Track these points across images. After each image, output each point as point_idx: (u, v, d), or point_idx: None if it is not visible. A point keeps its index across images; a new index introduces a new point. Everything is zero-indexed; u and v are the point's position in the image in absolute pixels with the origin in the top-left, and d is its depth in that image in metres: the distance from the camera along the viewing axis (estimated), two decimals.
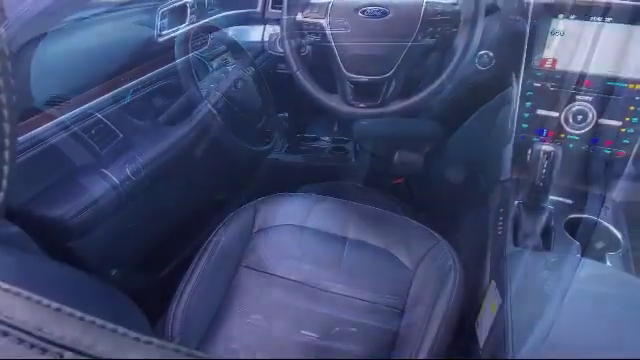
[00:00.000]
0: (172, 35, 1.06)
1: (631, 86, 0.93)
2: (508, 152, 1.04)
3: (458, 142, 1.48)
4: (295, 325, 0.83)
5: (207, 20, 1.16)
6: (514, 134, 1.02)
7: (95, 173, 0.87)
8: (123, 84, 1.00)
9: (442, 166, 1.63)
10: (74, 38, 0.91)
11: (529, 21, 0.98)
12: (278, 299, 0.88)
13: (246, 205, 1.05)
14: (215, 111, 1.15)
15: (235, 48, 1.26)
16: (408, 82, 0.94)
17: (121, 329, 0.25)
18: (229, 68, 1.23)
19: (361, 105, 0.93)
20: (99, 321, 0.25)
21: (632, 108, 0.93)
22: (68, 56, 0.90)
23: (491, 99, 1.07)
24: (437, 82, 0.86)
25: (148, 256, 1.06)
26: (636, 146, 0.94)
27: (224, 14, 1.21)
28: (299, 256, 0.93)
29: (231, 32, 1.28)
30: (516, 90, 1.01)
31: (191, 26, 1.09)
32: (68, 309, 0.26)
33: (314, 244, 0.95)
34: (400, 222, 0.99)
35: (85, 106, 0.90)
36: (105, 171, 0.88)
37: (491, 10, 0.90)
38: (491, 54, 1.04)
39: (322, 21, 0.91)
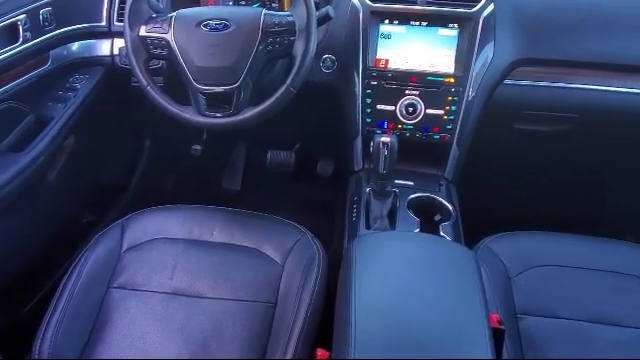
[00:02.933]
0: (4, 56, 0.99)
1: (446, 80, 1.09)
2: (358, 145, 1.16)
3: (322, 138, 1.59)
4: (173, 337, 0.84)
5: (45, 37, 1.10)
6: (360, 128, 1.14)
7: None
8: None
9: (312, 161, 1.74)
10: None
11: (361, 27, 1.11)
12: (154, 315, 0.88)
13: (112, 225, 1.03)
14: (67, 131, 1.10)
15: (82, 64, 1.21)
16: (258, 90, 1.00)
17: None
18: (78, 85, 1.18)
19: (217, 115, 0.96)
20: None
21: (450, 98, 1.09)
22: None
23: (339, 98, 1.18)
24: (282, 89, 0.93)
25: (3, 295, 0.99)
26: (457, 131, 1.11)
27: (64, 30, 1.15)
28: (171, 268, 0.95)
29: (76, 47, 1.22)
30: (358, 88, 1.13)
31: (25, 45, 1.03)
32: None
33: (185, 254, 0.97)
34: (267, 220, 1.05)
35: None
36: None
37: (324, 20, 1.00)
38: (334, 57, 1.15)
39: (166, 35, 0.93)
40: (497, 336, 0.69)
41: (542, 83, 1.15)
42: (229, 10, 0.98)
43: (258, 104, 0.95)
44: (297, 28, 0.92)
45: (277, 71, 1.08)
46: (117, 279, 0.94)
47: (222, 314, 0.88)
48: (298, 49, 0.92)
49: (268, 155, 1.72)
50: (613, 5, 1.12)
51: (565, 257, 0.99)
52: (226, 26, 0.92)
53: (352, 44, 1.11)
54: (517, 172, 1.42)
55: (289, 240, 0.99)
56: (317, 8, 1.01)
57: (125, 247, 0.99)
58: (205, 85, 0.93)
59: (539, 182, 1.44)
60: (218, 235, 1.01)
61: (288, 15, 0.93)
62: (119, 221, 1.03)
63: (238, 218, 1.05)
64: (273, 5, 1.26)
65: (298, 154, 1.71)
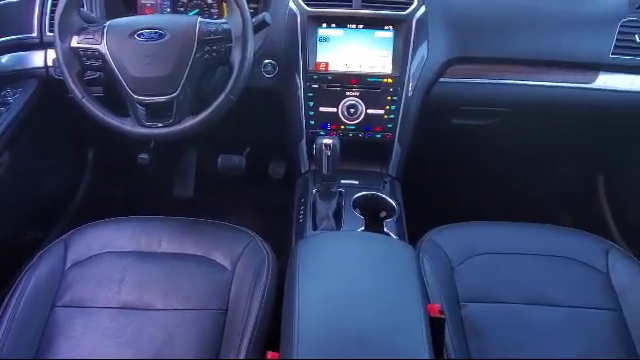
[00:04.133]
0: None
1: (385, 80, 1.13)
2: (303, 147, 1.18)
3: (271, 141, 1.60)
4: (123, 353, 0.84)
5: None
6: (304, 130, 1.16)
7: None
8: None
9: (263, 164, 1.75)
10: None
11: (299, 31, 1.12)
12: (102, 331, 0.87)
13: (55, 241, 1.00)
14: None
15: (14, 77, 1.17)
16: (199, 98, 1.00)
17: None
18: (10, 99, 1.14)
19: (158, 125, 0.96)
20: None
21: (389, 98, 1.13)
22: None
23: (282, 102, 1.19)
24: (221, 97, 0.93)
25: None
26: (398, 129, 1.15)
27: None
28: (118, 282, 0.93)
29: (6, 60, 1.17)
30: (300, 92, 1.15)
31: None
32: None
33: (133, 266, 0.96)
34: (216, 227, 1.05)
35: None
36: None
37: (261, 26, 1.01)
38: (274, 62, 1.16)
39: (99, 46, 0.91)
40: (438, 325, 0.73)
41: (475, 80, 1.21)
42: (163, 19, 0.97)
43: (199, 113, 0.95)
44: (233, 36, 0.92)
45: (217, 79, 1.08)
46: (62, 297, 0.91)
47: (173, 325, 0.88)
48: (236, 56, 0.93)
49: (219, 160, 1.71)
50: (534, 6, 1.19)
51: (503, 244, 1.05)
52: (161, 35, 0.91)
53: (292, 49, 1.13)
54: (457, 165, 1.48)
55: (238, 245, 0.99)
56: (254, 14, 1.02)
57: (69, 264, 0.97)
58: (143, 96, 0.92)
59: (478, 174, 1.52)
60: (166, 245, 1.01)
61: (224, 23, 0.93)
62: (62, 237, 1.01)
63: (186, 227, 1.05)
64: (212, 11, 1.25)
65: (249, 158, 1.71)
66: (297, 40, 1.12)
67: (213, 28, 0.92)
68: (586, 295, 0.96)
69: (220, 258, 0.98)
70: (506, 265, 1.01)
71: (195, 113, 0.96)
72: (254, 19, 0.99)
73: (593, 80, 1.19)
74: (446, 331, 0.86)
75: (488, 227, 1.10)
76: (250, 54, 0.93)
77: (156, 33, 0.92)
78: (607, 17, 1.19)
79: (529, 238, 1.08)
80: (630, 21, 1.18)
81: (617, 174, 1.46)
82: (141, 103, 0.93)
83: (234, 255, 0.98)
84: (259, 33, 1.05)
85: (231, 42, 0.93)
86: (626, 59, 1.17)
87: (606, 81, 1.19)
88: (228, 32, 0.92)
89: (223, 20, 0.95)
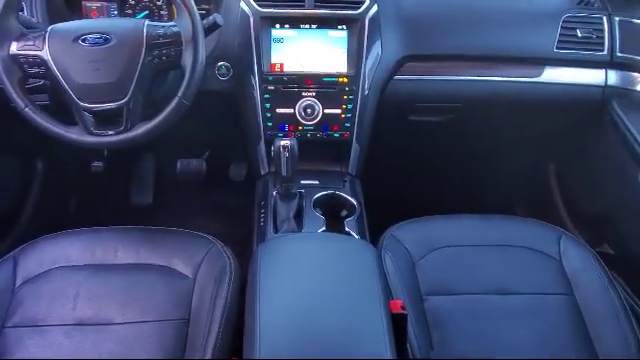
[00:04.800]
0: None
1: (340, 79, 1.13)
2: (262, 149, 1.17)
3: (231, 144, 1.58)
4: None
5: None
6: (262, 132, 1.15)
7: None
8: None
9: (224, 167, 1.72)
10: None
11: (252, 33, 1.11)
12: (57, 350, 0.83)
13: (2, 259, 0.95)
14: None
15: None
16: (151, 104, 0.97)
17: None
18: None
19: (108, 133, 0.92)
20: None
21: (345, 97, 1.14)
22: None
23: (238, 104, 1.17)
24: (174, 102, 0.91)
25: None
26: (355, 128, 1.16)
27: None
28: (73, 298, 0.90)
29: None
30: (256, 94, 1.13)
31: None
32: None
33: (88, 280, 0.92)
34: (175, 234, 1.03)
35: None
36: None
37: (212, 28, 0.99)
38: (228, 65, 1.14)
39: (40, 53, 0.87)
40: (400, 321, 0.74)
41: (429, 77, 1.23)
42: (109, 23, 0.94)
43: (152, 118, 0.93)
44: (183, 39, 0.90)
45: (170, 83, 1.05)
46: (12, 317, 0.87)
47: (133, 338, 0.86)
48: (187, 60, 0.91)
49: (178, 165, 1.68)
50: (482, 4, 1.23)
51: (461, 237, 1.07)
52: (107, 40, 0.88)
53: (245, 50, 1.12)
54: (416, 161, 1.51)
55: (199, 252, 0.97)
56: (205, 16, 1.00)
57: (19, 281, 0.92)
58: (91, 103, 0.89)
59: (437, 169, 1.55)
60: (123, 256, 0.97)
61: (172, 26, 0.91)
62: (10, 254, 0.96)
63: (144, 236, 1.02)
64: (162, 13, 1.22)
65: (209, 161, 1.69)
66: (250, 41, 1.11)
67: (162, 31, 0.90)
68: (541, 282, 0.99)
69: (180, 266, 0.96)
70: (465, 257, 1.03)
71: (148, 119, 0.93)
72: (205, 21, 0.97)
73: (540, 74, 1.23)
74: (409, 325, 0.88)
75: (447, 221, 1.12)
76: (202, 57, 0.92)
77: (101, 38, 0.88)
78: (550, 13, 1.24)
79: (486, 229, 1.11)
80: (572, 16, 1.23)
81: (566, 164, 1.53)
82: (89, 111, 0.90)
83: (195, 262, 0.96)
84: (211, 35, 1.04)
85: (181, 45, 0.91)
86: (569, 53, 1.22)
87: (552, 75, 1.24)
88: (178, 35, 0.90)
89: (172, 23, 0.92)
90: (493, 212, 1.16)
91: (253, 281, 0.70)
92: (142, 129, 0.91)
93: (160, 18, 1.21)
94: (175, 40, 0.90)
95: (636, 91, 1.22)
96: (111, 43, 0.88)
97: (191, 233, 1.02)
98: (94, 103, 0.89)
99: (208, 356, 0.80)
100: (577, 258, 1.03)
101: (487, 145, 1.51)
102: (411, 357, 0.84)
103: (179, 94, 0.91)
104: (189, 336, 0.86)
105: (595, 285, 0.98)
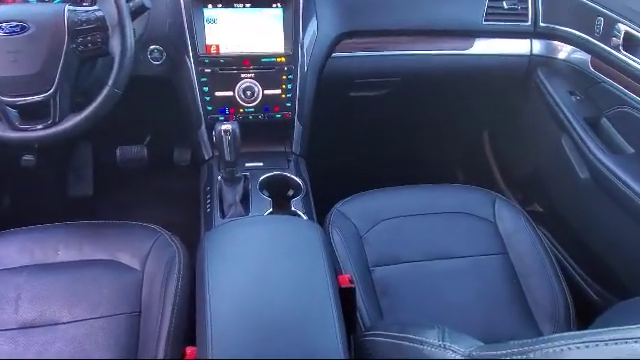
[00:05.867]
0: None
1: (278, 59, 1.12)
2: (203, 134, 1.15)
3: (172, 128, 1.54)
4: None
5: None
6: (202, 117, 1.13)
7: None
8: None
9: (167, 152, 1.68)
10: None
11: (184, 13, 1.07)
12: (2, 356, 0.81)
13: None
14: None
15: None
16: (82, 93, 0.93)
17: None
18: None
19: (37, 127, 0.87)
20: None
21: (284, 77, 1.13)
22: None
23: (175, 89, 1.14)
24: (105, 91, 0.87)
25: None
26: (297, 107, 1.16)
27: None
28: (14, 301, 0.86)
29: None
30: (193, 77, 1.11)
31: None
32: None
33: (29, 282, 0.89)
34: (119, 227, 1.00)
35: None
36: None
37: (140, 11, 0.95)
38: (161, 48, 1.10)
39: None
40: (349, 295, 0.77)
41: (366, 53, 1.25)
42: (25, 9, 0.87)
43: (83, 109, 0.89)
44: (109, 23, 0.86)
45: (99, 70, 1.00)
46: None
47: (83, 336, 0.84)
48: (115, 46, 0.87)
49: (117, 152, 1.61)
50: None
51: (404, 207, 1.12)
52: (24, 28, 0.82)
53: (178, 32, 1.08)
54: (360, 136, 1.54)
55: (145, 243, 0.96)
56: None
57: None
58: (13, 97, 0.83)
59: (380, 142, 1.59)
60: (65, 254, 0.94)
61: (96, 10, 0.86)
62: None
63: (85, 231, 0.99)
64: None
65: (151, 146, 1.63)
66: (182, 23, 1.07)
67: (84, 17, 0.85)
68: (478, 244, 1.06)
69: (127, 259, 0.94)
70: (408, 227, 1.08)
71: (79, 110, 0.89)
72: (131, 3, 0.92)
73: (470, 46, 1.28)
74: (358, 296, 0.92)
75: (391, 193, 1.17)
76: (130, 42, 0.88)
77: (18, 26, 0.82)
78: None
79: (427, 199, 1.16)
80: None
81: (498, 130, 1.61)
82: (12, 105, 0.84)
83: (142, 254, 0.94)
84: (140, 17, 0.99)
85: (107, 30, 0.86)
86: (497, 25, 1.27)
87: (481, 46, 1.29)
88: (102, 20, 0.85)
89: (95, 7, 0.87)
90: (436, 181, 1.21)
91: (201, 270, 0.71)
92: (72, 121, 0.87)
93: (82, 2, 1.14)
94: (100, 25, 0.86)
95: (558, 59, 1.29)
96: (29, 31, 0.83)
97: (136, 224, 1.00)
98: (17, 97, 0.84)
99: (162, 347, 0.80)
100: (509, 219, 1.10)
101: (426, 116, 1.56)
102: (362, 326, 0.88)
103: (109, 83, 0.87)
104: (141, 328, 0.86)
105: (526, 243, 1.06)
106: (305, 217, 0.99)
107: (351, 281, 0.78)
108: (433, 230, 1.09)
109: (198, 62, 1.09)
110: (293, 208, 1.01)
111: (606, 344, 0.35)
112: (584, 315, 0.98)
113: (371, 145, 1.58)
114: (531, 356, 0.39)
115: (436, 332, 0.52)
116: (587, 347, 0.36)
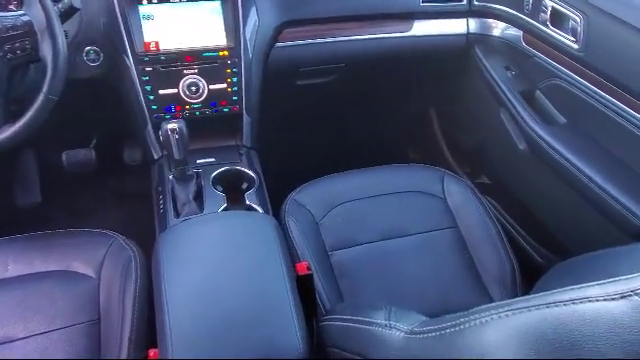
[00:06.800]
0: None
1: (221, 53, 1.11)
2: (150, 133, 1.13)
3: (118, 128, 1.50)
4: None
5: None
6: (148, 116, 1.11)
7: None
8: None
9: (116, 153, 1.63)
10: None
11: (118, 11, 1.04)
12: None
13: None
14: None
15: None
16: (16, 102, 0.89)
17: None
18: None
19: None
20: None
21: (229, 71, 1.12)
22: None
23: (116, 89, 1.11)
24: (40, 99, 0.84)
25: None
26: (244, 100, 1.16)
27: None
28: None
29: None
30: (134, 77, 1.08)
31: None
32: None
33: None
34: (70, 235, 0.98)
35: None
36: None
37: (69, 12, 0.91)
38: (97, 49, 1.07)
39: None
40: (307, 281, 0.79)
41: (309, 41, 1.25)
42: None
43: (18, 119, 0.85)
44: (37, 28, 0.83)
45: (33, 77, 0.96)
46: None
47: (41, 350, 0.83)
48: (46, 51, 0.84)
49: (63, 157, 1.56)
50: None
51: (358, 191, 1.15)
52: None
53: (113, 31, 1.05)
54: (311, 124, 1.55)
55: (99, 250, 0.94)
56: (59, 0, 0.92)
57: None
58: None
59: (331, 128, 1.61)
60: (14, 268, 0.92)
61: (22, 15, 0.83)
62: None
63: (34, 242, 0.96)
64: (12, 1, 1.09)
65: (98, 148, 1.59)
66: (117, 21, 1.04)
67: (10, 22, 0.81)
68: (430, 220, 1.11)
69: (81, 268, 0.92)
70: (362, 209, 1.11)
71: (14, 119, 0.86)
72: (60, 4, 0.89)
73: (410, 29, 1.31)
74: (318, 282, 0.94)
75: (344, 178, 1.19)
76: (62, 45, 0.85)
77: None
78: None
79: (378, 180, 1.19)
80: None
81: (444, 108, 1.67)
82: None
83: (96, 261, 0.93)
84: (72, 19, 0.96)
85: (36, 35, 0.83)
86: (434, 6, 1.31)
87: (420, 28, 1.32)
88: (29, 24, 0.82)
89: (21, 12, 0.84)
90: (389, 161, 1.24)
91: (157, 271, 0.71)
92: (7, 132, 0.84)
93: (6, 7, 1.08)
94: (28, 30, 0.82)
95: (493, 36, 1.35)
96: None
97: (88, 231, 0.98)
98: None
99: (124, 351, 0.80)
100: (458, 194, 1.15)
101: (374, 99, 1.59)
102: (322, 310, 0.91)
103: (44, 90, 0.84)
104: (102, 335, 0.85)
105: (474, 215, 1.11)
106: (260, 209, 1.00)
107: (309, 268, 0.80)
108: (386, 210, 1.12)
109: (138, 60, 1.06)
110: (248, 201, 1.01)
111: (529, 310, 0.38)
112: (531, 277, 1.04)
113: (322, 132, 1.60)
114: (462, 327, 0.42)
115: (383, 312, 0.55)
116: (514, 314, 0.39)
